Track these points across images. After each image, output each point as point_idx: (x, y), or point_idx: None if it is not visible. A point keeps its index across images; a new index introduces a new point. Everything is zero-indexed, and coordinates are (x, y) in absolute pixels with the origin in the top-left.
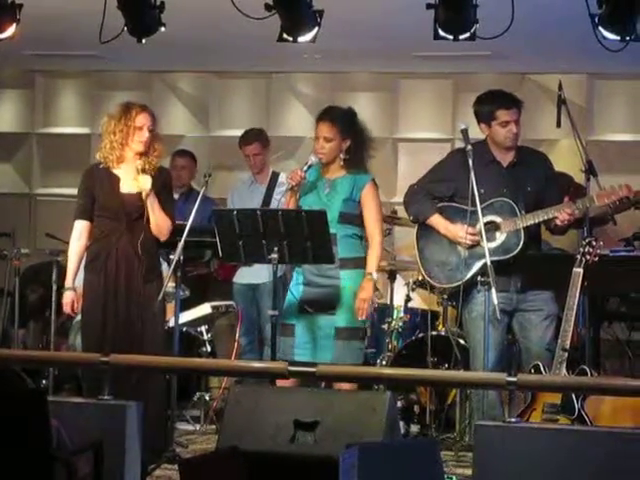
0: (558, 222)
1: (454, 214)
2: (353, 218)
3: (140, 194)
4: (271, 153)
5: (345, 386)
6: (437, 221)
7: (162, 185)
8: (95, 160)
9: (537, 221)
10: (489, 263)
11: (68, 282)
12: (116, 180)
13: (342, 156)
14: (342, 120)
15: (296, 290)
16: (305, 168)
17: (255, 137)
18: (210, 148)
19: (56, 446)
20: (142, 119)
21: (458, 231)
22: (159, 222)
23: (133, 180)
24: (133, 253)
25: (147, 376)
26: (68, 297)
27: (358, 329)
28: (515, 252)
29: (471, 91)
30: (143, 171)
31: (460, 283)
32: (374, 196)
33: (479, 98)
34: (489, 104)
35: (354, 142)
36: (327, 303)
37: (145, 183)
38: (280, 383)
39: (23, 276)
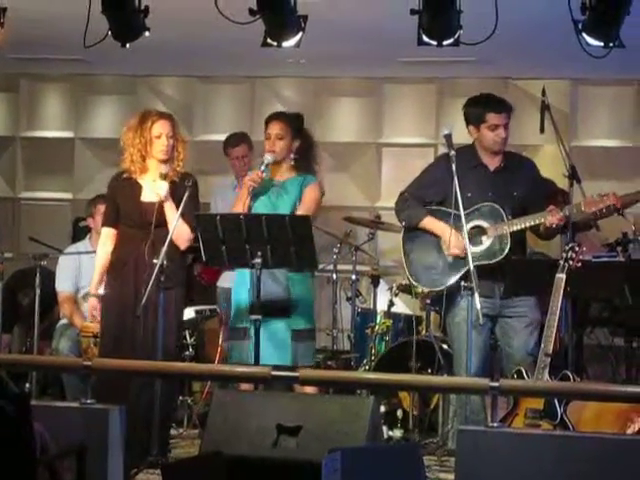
0: (547, 224)
1: (441, 218)
2: None
3: (161, 202)
4: (254, 157)
5: (309, 389)
6: (429, 222)
7: (184, 192)
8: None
9: (524, 226)
10: (472, 268)
11: (92, 289)
12: (138, 189)
13: (292, 156)
14: (292, 121)
15: (244, 293)
16: (262, 168)
17: (241, 139)
18: (194, 153)
19: (39, 450)
20: (159, 128)
21: (447, 237)
22: (176, 229)
23: (153, 187)
24: (152, 261)
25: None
26: (91, 304)
27: (312, 330)
28: (501, 257)
29: (455, 96)
30: (165, 177)
31: (445, 287)
32: (314, 195)
33: (470, 100)
34: (480, 107)
35: (303, 144)
36: (279, 306)
37: (160, 188)
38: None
39: (13, 280)
